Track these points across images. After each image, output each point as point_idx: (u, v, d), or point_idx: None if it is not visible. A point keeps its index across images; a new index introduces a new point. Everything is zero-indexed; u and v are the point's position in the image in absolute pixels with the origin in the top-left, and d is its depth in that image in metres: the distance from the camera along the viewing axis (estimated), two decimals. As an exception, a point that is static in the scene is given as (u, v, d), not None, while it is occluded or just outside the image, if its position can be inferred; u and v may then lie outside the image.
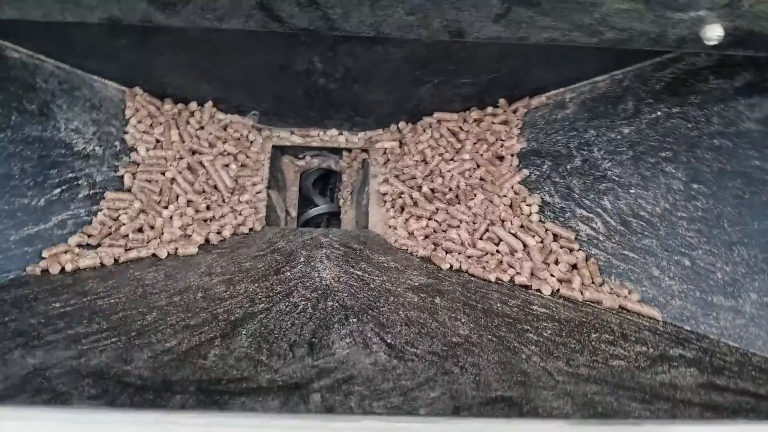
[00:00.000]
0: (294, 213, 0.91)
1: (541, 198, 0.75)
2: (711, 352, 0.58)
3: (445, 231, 0.76)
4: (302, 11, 0.57)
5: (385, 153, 0.87)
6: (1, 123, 0.67)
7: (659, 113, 0.72)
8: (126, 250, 0.68)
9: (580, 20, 0.58)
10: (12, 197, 0.65)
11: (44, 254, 0.65)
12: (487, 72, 0.77)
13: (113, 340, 0.52)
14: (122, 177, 0.73)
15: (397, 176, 0.83)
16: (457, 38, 0.60)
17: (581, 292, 0.66)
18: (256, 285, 0.64)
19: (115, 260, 0.67)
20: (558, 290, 0.67)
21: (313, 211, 0.93)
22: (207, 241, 0.73)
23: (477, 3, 0.57)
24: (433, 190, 0.80)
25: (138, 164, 0.75)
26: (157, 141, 0.77)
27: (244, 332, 0.55)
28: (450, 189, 0.79)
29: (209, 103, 0.81)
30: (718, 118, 0.68)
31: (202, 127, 0.80)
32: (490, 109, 0.83)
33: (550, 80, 0.79)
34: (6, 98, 0.69)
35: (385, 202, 0.83)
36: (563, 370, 0.53)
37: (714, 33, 0.59)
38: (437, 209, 0.78)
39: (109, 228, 0.69)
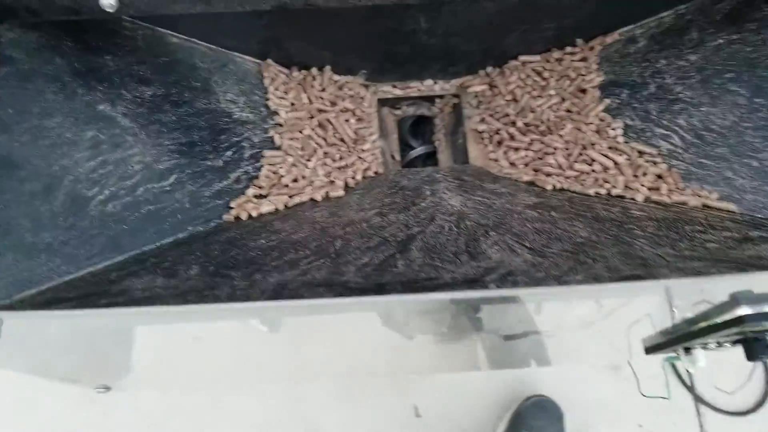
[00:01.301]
0: (398, 157, 1.05)
1: (624, 122, 0.88)
2: (784, 232, 0.73)
3: (542, 158, 0.90)
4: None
5: (476, 96, 1.00)
6: (178, 99, 0.82)
7: (721, 40, 0.84)
8: (290, 196, 0.83)
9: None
10: (200, 160, 0.80)
11: (232, 204, 0.80)
12: (567, 17, 0.89)
13: (322, 261, 0.67)
14: (272, 137, 0.88)
15: (491, 115, 0.97)
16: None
17: (669, 196, 0.81)
18: (402, 215, 0.79)
19: (285, 205, 0.82)
20: (649, 197, 0.82)
21: (413, 153, 1.08)
22: (347, 184, 0.88)
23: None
24: (526, 125, 0.93)
25: (281, 125, 0.89)
26: (292, 104, 0.91)
27: (414, 248, 0.70)
28: (541, 122, 0.93)
29: (327, 68, 0.94)
30: (774, 40, 0.81)
31: (323, 89, 0.94)
32: (568, 49, 0.95)
33: (620, 19, 0.91)
34: (177, 78, 0.83)
35: (483, 139, 0.97)
36: (671, 254, 0.69)
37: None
38: (532, 141, 0.92)
39: (273, 180, 0.84)
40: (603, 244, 0.71)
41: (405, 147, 1.11)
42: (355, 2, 0.70)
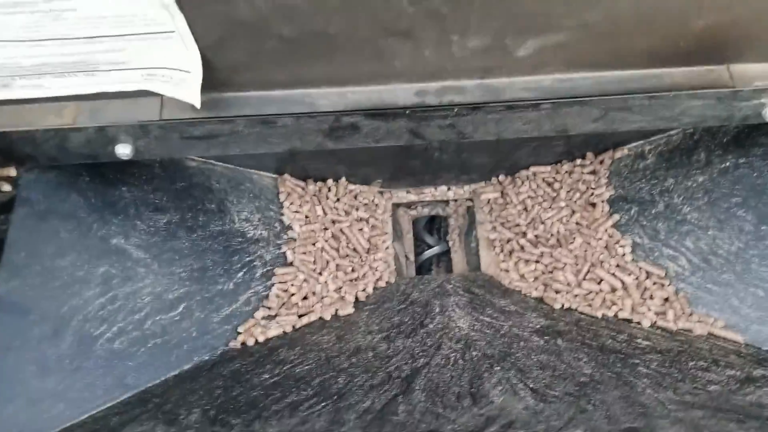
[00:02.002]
0: (411, 257, 1.07)
1: (632, 240, 0.89)
2: (789, 371, 0.73)
3: (551, 273, 0.91)
4: (441, 131, 0.72)
5: (489, 203, 1.01)
6: (193, 224, 0.85)
7: (728, 163, 0.85)
8: (299, 316, 0.86)
9: (663, 114, 0.71)
10: (210, 285, 0.83)
11: (240, 329, 0.82)
12: (578, 135, 0.90)
13: (322, 405, 0.69)
14: (285, 253, 0.91)
15: (502, 224, 0.98)
16: (563, 134, 0.74)
17: (675, 323, 0.81)
18: (410, 340, 0.81)
19: (293, 327, 0.85)
20: (656, 322, 0.82)
21: (427, 253, 1.10)
22: (357, 299, 0.90)
23: (581, 111, 0.70)
24: (536, 236, 0.94)
25: (295, 240, 0.92)
26: (306, 217, 0.94)
27: (417, 388, 0.71)
28: (551, 234, 0.94)
29: (342, 179, 0.97)
30: (781, 167, 0.81)
31: (338, 199, 0.97)
32: (579, 161, 0.96)
33: (630, 135, 0.92)
34: (193, 202, 0.86)
35: (494, 247, 0.98)
36: (672, 399, 0.69)
37: (777, 112, 0.71)
38: (542, 253, 0.93)
39: (283, 299, 0.87)
40: (605, 385, 0.71)
41: (420, 243, 1.13)
42: (363, 144, 0.73)
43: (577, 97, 0.69)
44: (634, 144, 0.93)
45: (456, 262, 1.08)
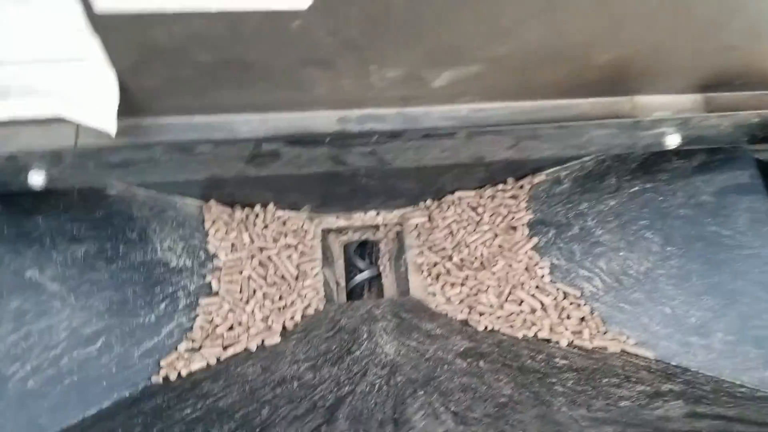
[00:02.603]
0: (342, 283, 1.08)
1: (550, 261, 0.93)
2: (692, 383, 0.77)
3: (476, 295, 0.94)
4: (363, 157, 0.73)
5: (416, 227, 1.03)
6: (113, 255, 0.83)
7: (636, 188, 0.90)
8: (224, 348, 0.84)
9: (571, 143, 0.76)
10: (131, 318, 0.81)
11: (162, 363, 0.80)
12: (497, 162, 0.94)
13: (245, 440, 0.68)
14: (210, 283, 0.89)
15: (429, 248, 1.00)
16: (479, 161, 0.77)
17: (590, 341, 0.84)
18: (336, 368, 0.81)
19: (218, 359, 0.83)
20: (572, 341, 0.85)
21: (358, 278, 1.10)
22: (284, 327, 0.89)
23: (495, 140, 0.74)
24: (461, 260, 0.97)
25: (220, 269, 0.91)
26: (233, 245, 0.93)
27: (341, 417, 0.71)
28: (475, 258, 0.96)
29: (270, 205, 0.96)
30: (682, 191, 0.87)
31: (266, 226, 0.96)
32: (500, 186, 1.00)
33: (547, 161, 0.97)
34: (113, 231, 0.84)
35: (422, 271, 1.00)
36: (586, 416, 0.71)
37: (673, 141, 0.77)
38: (467, 276, 0.95)
39: (207, 330, 0.85)
40: (523, 405, 0.73)
41: (352, 267, 1.13)
42: (285, 171, 0.74)
43: (490, 126, 0.72)
44: (551, 170, 0.98)
45: (387, 287, 1.09)
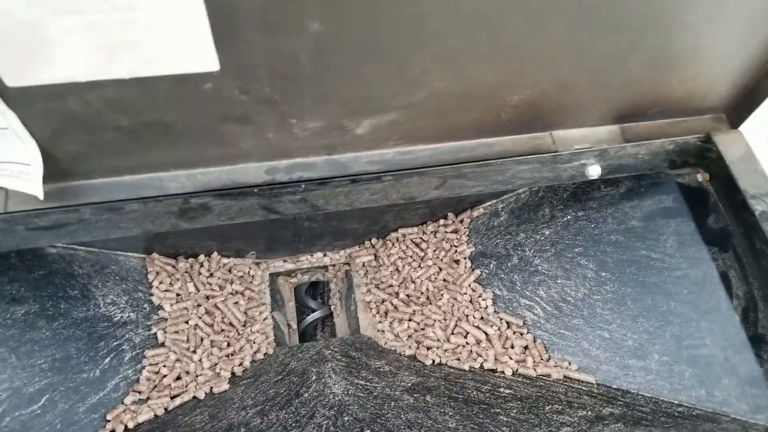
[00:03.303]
0: (294, 325, 1.08)
1: (493, 292, 0.95)
2: (632, 405, 0.79)
3: (423, 329, 0.95)
4: (294, 205, 0.75)
5: (364, 266, 1.05)
6: (54, 313, 0.83)
7: (569, 217, 0.93)
8: (171, 398, 0.84)
9: (496, 179, 0.79)
10: (74, 374, 0.81)
11: (108, 417, 0.80)
12: (432, 199, 0.97)
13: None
14: (156, 334, 0.89)
15: (377, 286, 1.02)
16: (409, 201, 0.80)
17: (534, 369, 0.86)
18: (283, 412, 0.81)
19: (165, 409, 0.83)
20: (517, 370, 0.87)
21: (309, 318, 1.11)
22: (233, 374, 0.90)
23: (422, 181, 0.76)
24: (408, 296, 0.98)
25: (166, 319, 0.91)
26: (178, 295, 0.94)
27: (287, 459, 0.72)
28: (422, 293, 0.98)
29: (215, 254, 0.98)
30: (612, 218, 0.90)
31: (211, 274, 0.97)
32: (442, 222, 1.03)
33: (484, 195, 1.00)
34: (53, 290, 0.84)
35: (371, 309, 1.01)
36: (527, 445, 0.73)
37: (594, 171, 0.80)
38: (414, 311, 0.97)
39: (154, 381, 0.85)
40: (467, 438, 0.74)
41: (304, 309, 1.14)
42: (218, 223, 0.75)
43: (416, 168, 0.75)
44: (488, 203, 1.01)
45: (339, 326, 1.10)
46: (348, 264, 1.09)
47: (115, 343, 0.86)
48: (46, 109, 0.58)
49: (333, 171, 0.75)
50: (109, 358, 0.84)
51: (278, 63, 0.57)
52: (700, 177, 0.87)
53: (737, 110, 0.85)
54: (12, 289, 0.80)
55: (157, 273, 0.94)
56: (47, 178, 0.64)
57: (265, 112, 0.65)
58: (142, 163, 0.69)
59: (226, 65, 0.56)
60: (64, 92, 0.56)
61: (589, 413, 0.78)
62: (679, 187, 0.88)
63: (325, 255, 1.08)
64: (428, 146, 0.78)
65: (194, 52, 0.54)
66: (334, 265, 1.11)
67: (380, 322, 1.00)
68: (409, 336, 0.96)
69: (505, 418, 0.77)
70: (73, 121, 0.60)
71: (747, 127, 0.86)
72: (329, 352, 0.96)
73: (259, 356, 0.95)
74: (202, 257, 0.98)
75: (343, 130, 0.71)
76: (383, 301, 1.01)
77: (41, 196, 0.64)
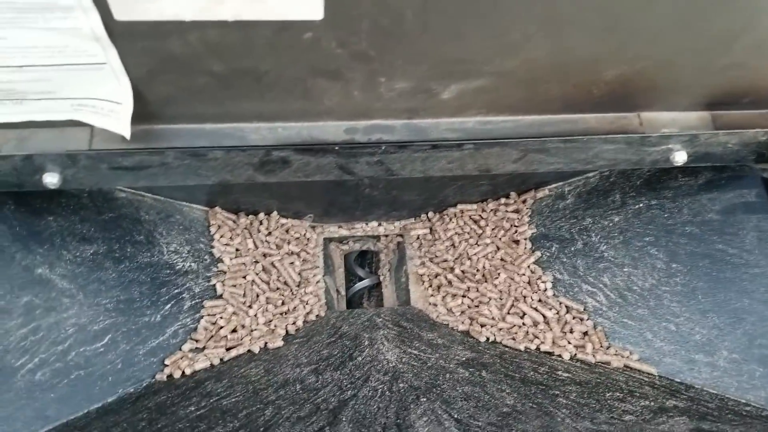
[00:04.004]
0: (343, 291, 1.08)
1: (553, 275, 0.93)
2: (696, 400, 0.77)
3: (477, 307, 0.94)
4: (370, 167, 0.74)
5: (418, 239, 1.04)
6: (120, 255, 0.84)
7: (641, 204, 0.91)
8: (227, 349, 0.85)
9: (578, 157, 0.76)
10: (137, 317, 0.82)
11: (167, 362, 0.81)
12: (501, 175, 0.95)
13: (249, 437, 0.68)
14: (214, 286, 0.90)
15: (431, 259, 1.01)
16: (485, 173, 0.78)
17: (593, 356, 0.84)
18: (338, 372, 0.81)
19: (221, 360, 0.83)
20: (575, 355, 0.85)
21: (358, 286, 1.11)
22: (287, 332, 0.90)
23: (502, 152, 0.74)
24: (463, 272, 0.97)
25: (225, 272, 0.91)
26: (237, 250, 0.94)
27: (344, 419, 0.72)
28: (477, 270, 0.97)
29: (274, 213, 0.97)
30: (687, 209, 0.87)
31: (270, 233, 0.97)
32: (503, 200, 1.01)
33: (551, 176, 0.97)
34: (121, 233, 0.85)
35: (423, 282, 1.00)
36: (590, 428, 0.71)
37: (680, 158, 0.78)
38: (469, 288, 0.96)
39: (211, 332, 0.86)
40: (527, 415, 0.73)
41: (352, 277, 1.14)
42: (294, 179, 0.75)
43: (497, 139, 0.73)
44: (554, 185, 0.98)
45: (386, 296, 1.09)
46: (401, 236, 1.08)
47: (176, 291, 0.86)
48: (146, 48, 0.57)
49: (411, 135, 0.74)
50: (169, 305, 0.85)
51: (381, 16, 0.56)
52: (786, 173, 0.84)
53: (833, 107, 0.81)
54: (82, 228, 0.81)
55: (219, 226, 0.94)
56: (134, 119, 0.64)
57: (357, 68, 0.63)
58: (226, 112, 0.69)
59: (330, 15, 0.55)
60: (168, 31, 0.55)
61: (652, 404, 0.76)
62: (764, 182, 0.84)
63: (380, 224, 1.07)
64: (510, 117, 0.76)
65: (301, -3, 0.53)
66: (386, 236, 1.10)
67: (432, 295, 0.99)
68: (463, 312, 0.95)
69: (564, 401, 0.76)
70: (170, 62, 0.59)
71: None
72: (380, 320, 0.95)
73: (311, 317, 0.95)
74: (262, 215, 0.98)
75: (428, 94, 0.69)
76: (437, 275, 1.00)
77: (128, 136, 0.64)
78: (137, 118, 0.65)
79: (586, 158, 0.77)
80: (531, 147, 0.74)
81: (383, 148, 0.70)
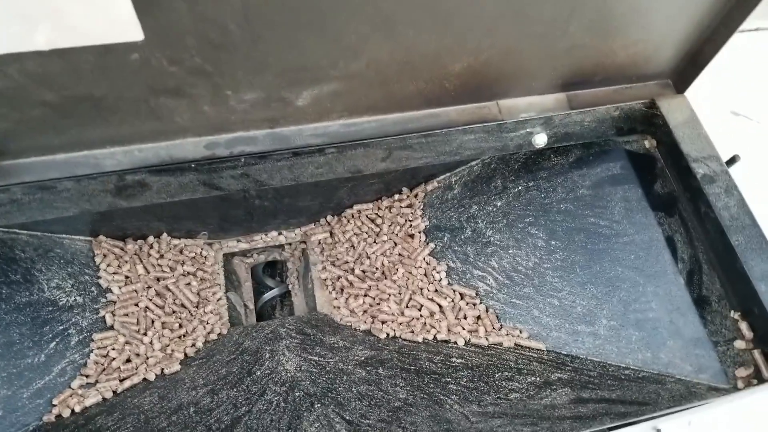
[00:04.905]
0: (251, 305, 1.07)
1: (447, 265, 0.95)
2: (580, 370, 0.80)
3: (378, 304, 0.95)
4: (237, 180, 0.74)
5: (319, 243, 1.04)
6: (-5, 298, 0.81)
7: (520, 187, 0.94)
8: (120, 380, 0.83)
9: (443, 149, 0.78)
10: (18, 360, 0.79)
11: (54, 402, 0.78)
12: (389, 172, 0.96)
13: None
14: (104, 317, 0.88)
15: (332, 263, 1.01)
16: (357, 174, 0.79)
17: (486, 339, 0.87)
18: (234, 390, 0.80)
19: (114, 392, 0.81)
20: (469, 340, 0.87)
21: (267, 296, 1.10)
22: (186, 355, 0.88)
23: (367, 153, 0.76)
24: (363, 271, 0.98)
25: (114, 302, 0.89)
26: (126, 277, 0.92)
27: (236, 435, 0.72)
28: (377, 268, 0.98)
29: (164, 234, 0.96)
30: (561, 187, 0.91)
31: (162, 256, 0.95)
32: (396, 196, 1.02)
33: (438, 168, 0.99)
34: (-6, 275, 0.82)
35: (327, 286, 1.01)
36: (476, 411, 0.74)
37: (541, 140, 0.81)
38: (369, 287, 0.96)
39: (102, 365, 0.84)
40: (417, 407, 0.75)
41: (262, 289, 1.13)
42: (158, 200, 0.74)
43: (359, 141, 0.74)
44: (442, 177, 1.00)
45: (297, 305, 1.09)
46: (304, 242, 1.08)
47: (60, 328, 0.84)
48: (-38, 84, 0.56)
49: (275, 144, 0.74)
50: (54, 343, 0.82)
51: (206, 30, 0.56)
52: (647, 143, 0.88)
53: (682, 75, 0.85)
54: (-52, 275, 0.78)
55: (105, 255, 0.92)
56: (-27, 157, 0.62)
57: (198, 84, 0.63)
58: (75, 140, 0.67)
59: (151, 34, 0.54)
60: (-19, 65, 0.53)
61: (538, 379, 0.79)
62: (627, 154, 0.88)
63: (280, 234, 1.07)
64: (373, 118, 0.77)
65: (115, 20, 0.53)
66: (290, 244, 1.09)
67: (336, 298, 0.99)
68: (365, 311, 0.96)
69: (455, 387, 0.78)
70: (-5, 96, 0.58)
71: (692, 91, 0.87)
72: (284, 330, 0.95)
73: (213, 337, 0.94)
74: (151, 239, 0.96)
75: (283, 102, 0.70)
76: (339, 277, 1.00)
77: (-32, 176, 0.62)
78: (-22, 156, 0.63)
79: (451, 150, 0.78)
80: (394, 145, 0.75)
81: (243, 160, 0.70)
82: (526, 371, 0.80)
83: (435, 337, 0.89)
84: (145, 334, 0.89)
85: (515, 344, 0.86)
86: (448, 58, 0.69)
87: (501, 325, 0.88)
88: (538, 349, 0.85)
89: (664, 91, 0.86)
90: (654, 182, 0.86)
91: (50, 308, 0.84)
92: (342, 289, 0.99)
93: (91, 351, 0.85)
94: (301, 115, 0.73)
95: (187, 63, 0.59)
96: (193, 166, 0.69)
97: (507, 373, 0.80)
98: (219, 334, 0.95)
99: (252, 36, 0.58)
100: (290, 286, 1.12)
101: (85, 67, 0.56)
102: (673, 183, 0.84)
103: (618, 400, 0.74)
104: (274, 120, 0.73)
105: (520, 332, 0.87)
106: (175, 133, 0.70)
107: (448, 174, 1.01)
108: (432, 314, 0.91)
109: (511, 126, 0.77)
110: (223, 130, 0.72)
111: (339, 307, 0.98)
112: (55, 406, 0.78)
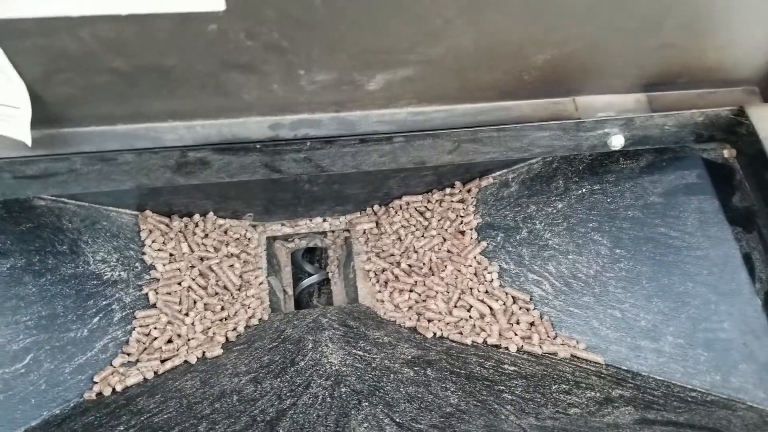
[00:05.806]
0: (290, 291, 1.05)
1: (499, 266, 0.91)
2: (642, 388, 0.76)
3: (425, 301, 0.91)
4: (298, 164, 0.71)
5: (364, 233, 1.01)
6: (41, 268, 0.79)
7: (584, 190, 0.89)
8: (162, 361, 0.81)
9: (513, 145, 0.74)
10: (61, 333, 0.77)
11: (96, 379, 0.76)
12: (443, 165, 0.92)
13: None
14: (147, 294, 0.85)
15: (377, 254, 0.98)
16: (420, 166, 0.75)
17: (540, 347, 0.83)
18: (278, 380, 0.78)
19: (155, 373, 0.79)
20: (522, 347, 0.83)
21: (306, 282, 1.07)
22: (227, 339, 0.86)
23: (434, 144, 0.72)
24: (410, 265, 0.95)
25: (158, 280, 0.87)
26: (171, 255, 0.89)
27: (281, 430, 0.69)
28: (424, 263, 0.94)
29: (210, 213, 0.93)
30: (630, 193, 0.86)
31: (206, 235, 0.93)
32: (448, 190, 0.98)
33: (494, 164, 0.95)
34: (41, 244, 0.80)
35: (371, 278, 0.97)
36: (533, 424, 0.70)
37: (618, 142, 0.76)
38: (416, 282, 0.93)
39: (144, 344, 0.82)
40: (470, 414, 0.71)
41: (301, 275, 1.10)
42: (217, 180, 0.71)
43: (428, 130, 0.70)
44: (498, 173, 0.96)
45: (336, 294, 1.06)
46: (348, 231, 1.05)
47: (104, 303, 0.82)
48: (36, 47, 0.53)
49: (340, 129, 0.71)
50: (97, 318, 0.80)
51: (289, 4, 0.52)
52: (726, 153, 0.83)
53: (771, 84, 0.80)
54: (-4, 242, 0.76)
55: (150, 231, 0.89)
56: (36, 124, 0.60)
57: (272, 61, 0.60)
58: (137, 111, 0.64)
59: (232, 4, 0.51)
60: (55, 27, 0.50)
61: (598, 394, 0.75)
62: (704, 163, 0.83)
63: (324, 220, 1.04)
64: (443, 107, 0.73)
65: (197, -14, 0.49)
66: (333, 231, 1.06)
67: (380, 291, 0.96)
68: (410, 307, 0.93)
69: (509, 396, 0.74)
70: (64, 61, 0.55)
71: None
72: (326, 320, 0.92)
73: (254, 321, 0.91)
74: (197, 217, 0.94)
75: (353, 85, 0.66)
76: (384, 270, 0.97)
77: (29, 143, 0.60)
78: (39, 122, 0.60)
79: (521, 146, 0.74)
80: (463, 137, 0.71)
81: (308, 144, 0.67)
82: (584, 385, 0.76)
83: (485, 341, 0.85)
84: (186, 314, 0.86)
85: (571, 355, 0.82)
86: (532, 49, 0.65)
87: (556, 334, 0.84)
88: (596, 362, 0.81)
89: (749, 99, 0.80)
90: (732, 194, 0.81)
91: (95, 282, 0.82)
92: (386, 282, 0.96)
93: (134, 329, 0.83)
94: (369, 100, 0.69)
95: (264, 37, 0.56)
96: (258, 146, 0.65)
97: (564, 386, 0.76)
98: (260, 319, 0.92)
99: (335, 12, 0.54)
100: (330, 274, 1.09)
101: (160, 35, 0.53)
102: (753, 197, 0.79)
103: (686, 424, 0.69)
104: (341, 103, 0.69)
105: (577, 343, 0.83)
106: (239, 111, 0.67)
107: (506, 170, 0.97)
108: (482, 316, 0.88)
109: (589, 125, 0.73)
110: (288, 110, 0.68)
111: (383, 301, 0.95)
112: (96, 383, 0.76)
